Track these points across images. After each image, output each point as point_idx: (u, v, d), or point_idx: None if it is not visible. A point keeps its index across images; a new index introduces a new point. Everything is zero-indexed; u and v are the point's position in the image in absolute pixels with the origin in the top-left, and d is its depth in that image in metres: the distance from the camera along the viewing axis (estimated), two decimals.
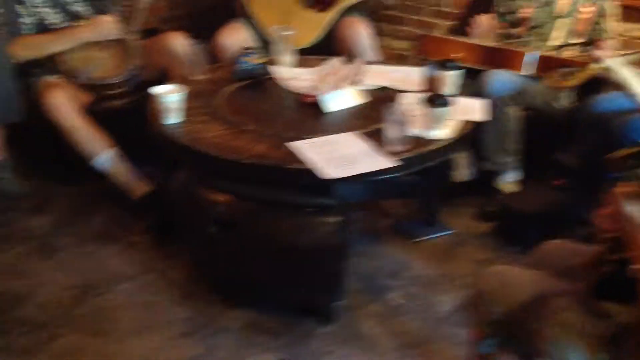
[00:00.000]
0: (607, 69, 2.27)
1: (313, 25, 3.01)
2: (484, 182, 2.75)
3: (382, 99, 2.35)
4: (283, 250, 2.07)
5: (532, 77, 2.55)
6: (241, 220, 2.08)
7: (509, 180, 2.73)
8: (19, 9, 2.78)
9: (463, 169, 2.70)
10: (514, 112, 2.64)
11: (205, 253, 2.32)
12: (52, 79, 2.78)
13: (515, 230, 2.58)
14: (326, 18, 3.04)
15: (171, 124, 2.21)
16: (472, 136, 2.28)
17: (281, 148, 2.06)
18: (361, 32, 3.01)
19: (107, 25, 2.81)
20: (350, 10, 3.11)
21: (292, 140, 2.09)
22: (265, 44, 2.96)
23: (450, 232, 2.68)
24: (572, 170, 2.54)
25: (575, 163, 2.52)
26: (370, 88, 2.46)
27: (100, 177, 2.78)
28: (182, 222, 2.34)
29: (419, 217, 2.73)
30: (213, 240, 2.13)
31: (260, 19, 3.07)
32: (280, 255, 2.09)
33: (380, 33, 3.78)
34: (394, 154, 2.02)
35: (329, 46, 2.99)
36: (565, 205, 2.50)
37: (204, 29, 3.04)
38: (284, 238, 2.05)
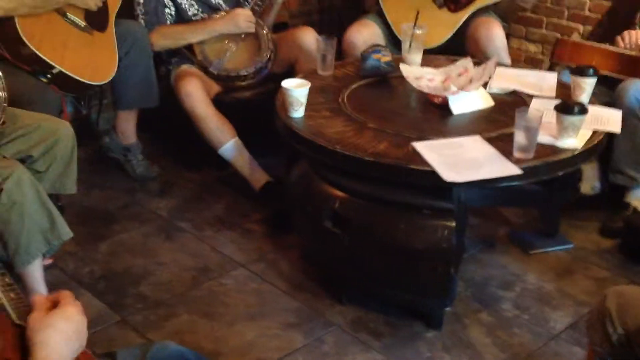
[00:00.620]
0: None
1: (445, 24, 2.94)
2: (612, 196, 2.61)
3: (512, 103, 2.27)
4: (395, 250, 2.05)
5: None
6: (356, 217, 2.08)
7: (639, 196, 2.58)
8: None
9: (591, 181, 2.57)
10: None
11: (317, 247, 2.34)
12: (187, 67, 2.90)
13: None
14: (459, 18, 2.97)
15: (296, 117, 2.24)
16: (603, 148, 2.16)
17: (403, 147, 2.04)
18: (495, 33, 2.91)
19: (242, 19, 2.89)
20: (485, 10, 3.02)
21: (415, 141, 2.06)
22: (395, 42, 2.94)
23: (570, 246, 2.56)
24: None
25: None
26: (501, 91, 2.39)
27: (224, 165, 2.87)
28: (298, 214, 2.36)
29: (539, 227, 2.62)
30: (327, 234, 2.14)
31: (392, 16, 3.05)
32: (392, 255, 2.07)
33: (512, 35, 3.67)
34: (520, 160, 1.94)
35: (459, 45, 2.92)
36: None
37: (333, 25, 3.06)
38: (397, 238, 2.03)
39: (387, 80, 2.53)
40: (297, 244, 2.54)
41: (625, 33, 2.56)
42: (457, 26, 2.96)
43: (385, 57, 2.52)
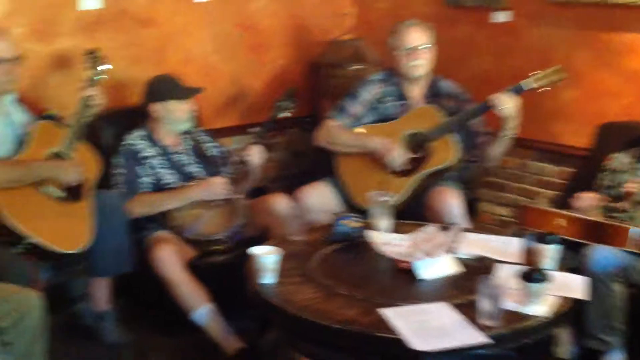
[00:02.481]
0: None
1: (395, 188, 3.05)
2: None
3: (477, 269, 2.30)
4: None
5: (638, 254, 2.45)
6: None
7: None
8: (139, 170, 3.02)
9: (565, 346, 2.56)
10: (619, 289, 2.51)
11: None
12: (161, 233, 2.95)
13: None
14: (407, 182, 3.10)
15: (266, 284, 2.25)
16: (572, 314, 2.17)
17: (372, 314, 2.04)
18: (451, 203, 3.02)
19: (217, 187, 2.99)
20: (441, 179, 3.15)
21: (383, 307, 2.07)
22: (349, 207, 3.05)
23: None
24: None
25: None
26: (466, 257, 2.44)
27: (197, 330, 2.84)
28: None
29: None
30: None
31: (346, 181, 3.18)
32: None
33: (481, 198, 3.79)
34: (488, 328, 1.95)
35: (416, 212, 3.01)
36: None
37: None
38: None
39: (357, 245, 2.58)
40: None
41: (576, 195, 2.67)
42: (406, 191, 3.08)
43: (355, 223, 2.59)
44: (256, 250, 2.30)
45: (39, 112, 2.91)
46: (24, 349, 2.21)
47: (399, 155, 3.13)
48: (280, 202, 3.05)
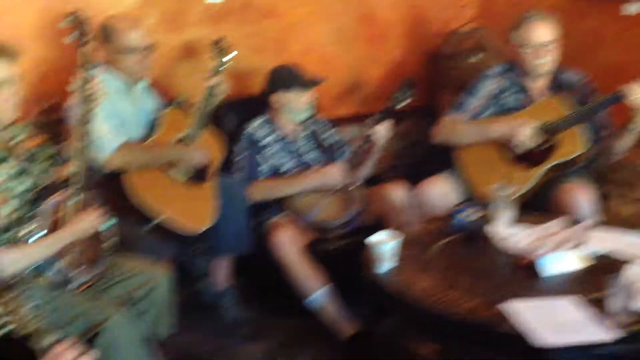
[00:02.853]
0: None
1: (518, 181, 2.95)
2: None
3: (606, 266, 2.21)
4: None
5: None
6: None
7: None
8: (258, 157, 3.11)
9: None
10: None
11: None
12: (280, 218, 3.03)
13: None
14: (532, 175, 3.00)
15: (383, 271, 2.27)
16: None
17: (492, 308, 2.01)
18: (582, 199, 2.89)
19: (334, 175, 3.03)
20: (567, 171, 3.03)
21: (504, 300, 2.03)
22: (469, 199, 2.99)
23: None
24: None
25: None
26: (595, 253, 2.34)
27: (312, 314, 2.90)
28: None
29: None
30: None
31: (468, 173, 3.12)
32: None
33: (609, 194, 3.62)
34: (618, 326, 1.87)
35: (542, 206, 2.91)
36: None
37: (422, 179, 3.14)
38: None
39: (477, 237, 2.53)
40: None
41: None
42: (531, 183, 2.98)
43: (474, 215, 2.55)
44: (374, 237, 2.31)
45: (168, 99, 3.05)
46: (154, 318, 2.34)
47: (530, 134, 2.98)
48: (397, 191, 3.05)
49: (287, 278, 2.86)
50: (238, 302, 3.13)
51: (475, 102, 3.18)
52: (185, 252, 3.18)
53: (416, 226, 2.63)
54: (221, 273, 3.11)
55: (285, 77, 3.13)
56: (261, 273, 3.20)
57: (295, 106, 3.14)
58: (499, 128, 3.07)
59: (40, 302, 1.93)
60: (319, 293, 2.83)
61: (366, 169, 3.20)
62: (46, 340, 1.33)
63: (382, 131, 3.06)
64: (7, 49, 2.12)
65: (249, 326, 3.08)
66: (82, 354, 1.32)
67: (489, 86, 3.18)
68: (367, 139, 3.09)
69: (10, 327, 1.35)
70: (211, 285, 3.14)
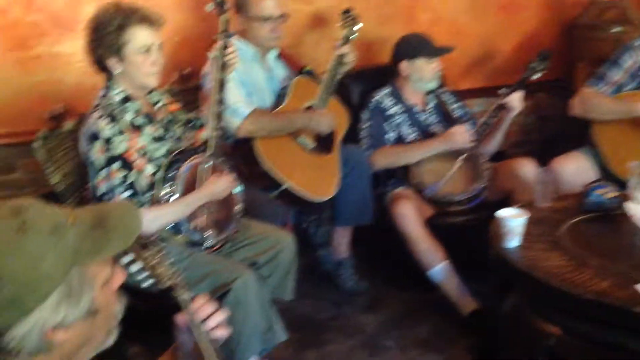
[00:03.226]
0: None
1: None
2: None
3: None
4: None
5: None
6: (574, 358, 1.96)
7: None
8: (385, 126, 3.11)
9: None
10: None
11: None
12: (402, 190, 3.01)
13: None
14: None
15: (510, 248, 2.21)
16: None
17: (627, 288, 1.92)
18: None
19: (459, 136, 2.98)
20: None
21: None
22: (608, 176, 2.83)
23: None
24: None
25: None
26: None
27: (432, 286, 2.88)
28: (508, 349, 2.28)
29: None
30: None
31: (605, 150, 2.96)
32: None
33: None
34: None
35: None
36: None
37: (555, 156, 3.02)
38: None
39: (611, 216, 2.42)
40: None
41: None
42: None
43: (610, 193, 2.43)
44: (502, 212, 2.25)
45: (298, 68, 3.10)
46: (277, 282, 2.41)
47: None
48: (526, 167, 2.94)
49: (409, 250, 2.85)
50: (356, 272, 3.17)
51: (618, 73, 3.01)
52: (307, 220, 3.24)
53: (548, 202, 2.53)
54: (341, 242, 3.15)
55: (414, 45, 3.09)
56: (380, 244, 3.21)
57: (422, 74, 3.10)
58: None
59: (176, 259, 2.04)
60: (439, 267, 2.81)
61: (494, 142, 3.12)
62: (186, 294, 1.40)
63: (516, 101, 2.98)
64: (153, 16, 2.23)
65: (366, 296, 3.12)
66: (217, 309, 1.39)
67: (633, 57, 2.99)
68: (499, 110, 3.02)
69: (150, 281, 1.43)
70: (331, 253, 3.19)
